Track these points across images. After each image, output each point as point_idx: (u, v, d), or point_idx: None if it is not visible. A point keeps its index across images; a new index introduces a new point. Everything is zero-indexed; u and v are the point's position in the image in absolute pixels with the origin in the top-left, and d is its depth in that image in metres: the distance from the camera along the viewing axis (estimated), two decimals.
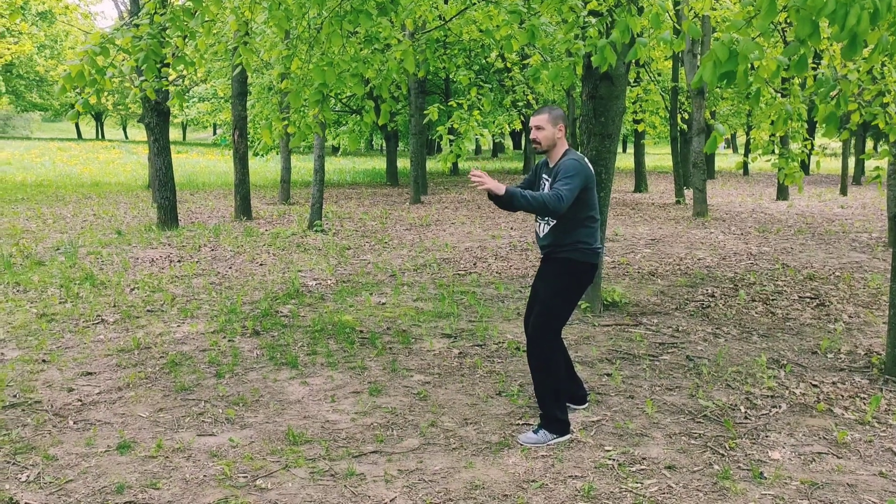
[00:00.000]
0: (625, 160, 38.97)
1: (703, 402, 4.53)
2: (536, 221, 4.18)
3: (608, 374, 5.07)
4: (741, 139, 55.48)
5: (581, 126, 6.81)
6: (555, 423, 3.94)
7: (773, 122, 5.58)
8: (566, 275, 4.01)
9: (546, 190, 3.98)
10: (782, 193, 19.06)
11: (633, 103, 17.41)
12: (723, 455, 3.80)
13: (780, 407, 4.47)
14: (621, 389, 4.78)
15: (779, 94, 6.56)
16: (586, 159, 4.04)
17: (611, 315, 6.73)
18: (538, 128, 4.05)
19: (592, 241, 4.01)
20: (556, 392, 3.96)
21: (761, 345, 5.83)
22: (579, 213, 3.94)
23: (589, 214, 3.99)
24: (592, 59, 4.42)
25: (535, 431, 3.94)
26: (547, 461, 3.71)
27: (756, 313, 6.86)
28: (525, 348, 4.33)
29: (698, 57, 14.77)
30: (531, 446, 3.86)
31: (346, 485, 3.47)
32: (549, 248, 4.07)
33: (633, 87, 17.10)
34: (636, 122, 18.51)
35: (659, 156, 49.52)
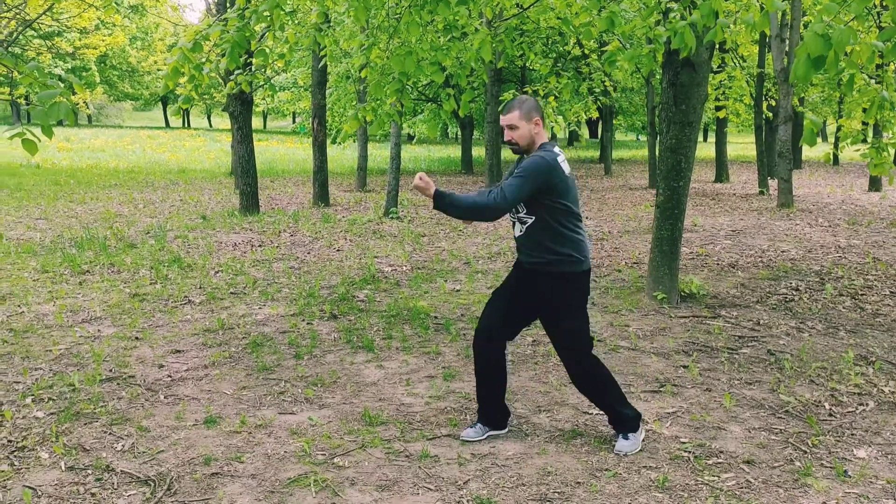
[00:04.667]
0: (705, 149, 37.91)
1: (785, 398, 4.41)
2: (510, 222, 3.72)
3: (684, 366, 4.99)
4: (831, 127, 53.11)
5: (660, 114, 6.68)
6: (632, 421, 3.72)
7: (865, 110, 5.35)
8: (573, 291, 3.60)
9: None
10: (875, 184, 18.20)
11: (716, 90, 16.91)
12: (805, 452, 3.70)
13: (867, 405, 4.32)
14: (698, 382, 4.70)
15: (873, 81, 6.29)
16: (558, 154, 3.51)
17: (688, 306, 6.60)
18: (510, 127, 3.54)
19: (584, 249, 3.59)
20: (617, 395, 3.71)
21: (848, 341, 5.62)
22: (561, 218, 3.50)
23: (572, 217, 3.53)
24: (672, 42, 4.33)
25: (626, 437, 3.71)
26: None
27: (843, 308, 6.61)
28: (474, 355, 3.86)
29: (786, 42, 14.22)
30: (630, 452, 3.66)
31: (421, 466, 3.55)
32: (533, 260, 3.61)
33: (716, 73, 16.61)
34: (718, 109, 17.98)
35: (742, 145, 47.95)
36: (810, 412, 4.20)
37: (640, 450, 3.69)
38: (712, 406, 4.30)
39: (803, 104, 23.92)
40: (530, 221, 3.56)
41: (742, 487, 3.34)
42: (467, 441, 3.80)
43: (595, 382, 3.70)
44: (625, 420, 3.72)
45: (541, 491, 3.30)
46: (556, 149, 3.55)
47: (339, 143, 21.60)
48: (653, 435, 3.89)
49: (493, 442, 3.82)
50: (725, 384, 4.66)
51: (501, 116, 3.59)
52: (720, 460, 3.61)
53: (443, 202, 3.35)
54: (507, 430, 3.93)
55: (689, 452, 3.68)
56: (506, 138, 3.59)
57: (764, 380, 4.74)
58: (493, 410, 3.87)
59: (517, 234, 3.66)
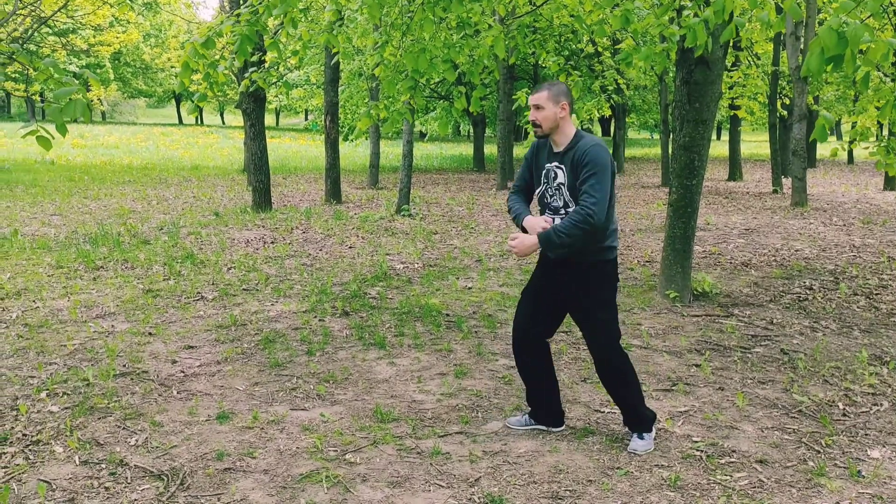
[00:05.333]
0: (718, 147, 37.69)
1: (799, 398, 4.39)
2: (543, 212, 3.64)
3: (697, 365, 4.97)
4: (846, 126, 52.72)
5: (674, 112, 6.65)
6: (648, 421, 3.70)
7: (879, 109, 5.31)
8: (605, 281, 3.57)
9: (560, 178, 3.50)
10: (890, 183, 18.04)
11: (730, 88, 16.80)
12: (818, 452, 3.68)
13: (881, 405, 4.29)
14: (711, 381, 4.68)
15: (888, 79, 6.23)
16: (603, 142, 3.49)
17: (700, 305, 6.57)
18: (537, 107, 3.48)
19: (615, 238, 3.56)
20: (639, 393, 3.69)
21: (863, 340, 5.58)
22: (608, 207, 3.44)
23: (612, 208, 3.48)
24: (686, 40, 4.31)
25: (641, 437, 3.67)
26: None
27: (858, 308, 6.56)
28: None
29: (801, 40, 14.11)
30: (645, 452, 3.63)
31: (432, 463, 3.55)
32: (570, 251, 3.50)
33: (730, 71, 16.51)
34: (733, 107, 17.87)
35: (755, 143, 47.67)
36: (824, 412, 4.18)
37: (653, 449, 3.68)
38: (725, 405, 4.28)
39: (818, 102, 23.75)
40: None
41: (755, 487, 3.33)
42: (510, 427, 3.92)
43: (620, 375, 3.65)
44: (644, 419, 3.69)
45: (552, 489, 3.30)
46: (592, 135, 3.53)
47: (352, 140, 21.64)
48: (665, 434, 3.88)
49: (504, 439, 3.82)
50: (738, 383, 4.64)
51: (530, 96, 3.54)
52: (733, 459, 3.59)
53: (548, 245, 3.39)
54: (562, 427, 3.93)
55: (702, 451, 3.67)
56: (530, 118, 3.52)
57: (777, 379, 4.72)
58: (539, 408, 3.89)
59: None
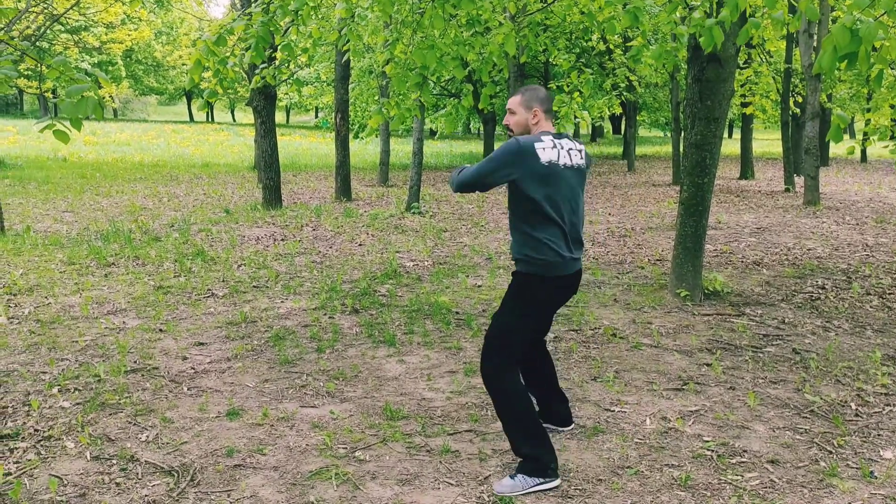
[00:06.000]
0: (730, 146, 37.50)
1: (811, 397, 4.36)
2: None
3: (707, 364, 4.94)
4: (859, 124, 52.33)
5: (685, 110, 6.62)
6: (532, 462, 3.27)
7: (893, 107, 5.26)
8: (519, 292, 3.32)
9: None
10: None
11: (742, 86, 16.70)
12: (830, 452, 3.66)
13: (894, 406, 4.25)
14: (721, 380, 4.66)
15: None
16: (538, 140, 3.21)
17: (711, 304, 6.54)
18: (510, 112, 3.43)
19: (542, 252, 3.22)
20: (525, 432, 3.28)
21: (876, 340, 5.54)
22: (525, 214, 3.23)
23: (538, 214, 3.20)
24: (700, 40, 4.28)
25: (512, 477, 3.27)
26: (643, 449, 3.68)
27: (871, 307, 6.51)
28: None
29: (814, 37, 14.01)
30: (507, 495, 3.21)
31: (442, 461, 3.55)
32: (512, 251, 3.39)
33: (742, 69, 16.41)
34: (744, 105, 17.77)
35: (767, 141, 47.40)
36: (836, 412, 4.15)
37: (657, 450, 3.66)
38: (736, 405, 4.26)
39: (831, 100, 23.59)
40: (510, 212, 3.37)
41: (766, 487, 3.31)
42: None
43: (497, 390, 3.31)
44: (525, 458, 3.30)
45: (562, 488, 3.29)
46: (548, 138, 3.25)
47: (362, 138, 21.66)
48: (676, 433, 3.86)
49: None
50: (749, 383, 4.61)
51: (508, 101, 3.51)
52: (744, 459, 3.57)
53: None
54: (571, 426, 3.89)
55: (713, 451, 3.65)
56: (504, 122, 3.47)
57: (789, 379, 4.69)
58: (544, 408, 3.84)
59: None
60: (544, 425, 3.78)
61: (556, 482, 3.29)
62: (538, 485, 3.25)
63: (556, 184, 3.21)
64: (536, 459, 3.26)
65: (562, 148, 3.27)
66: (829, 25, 13.55)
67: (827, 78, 19.77)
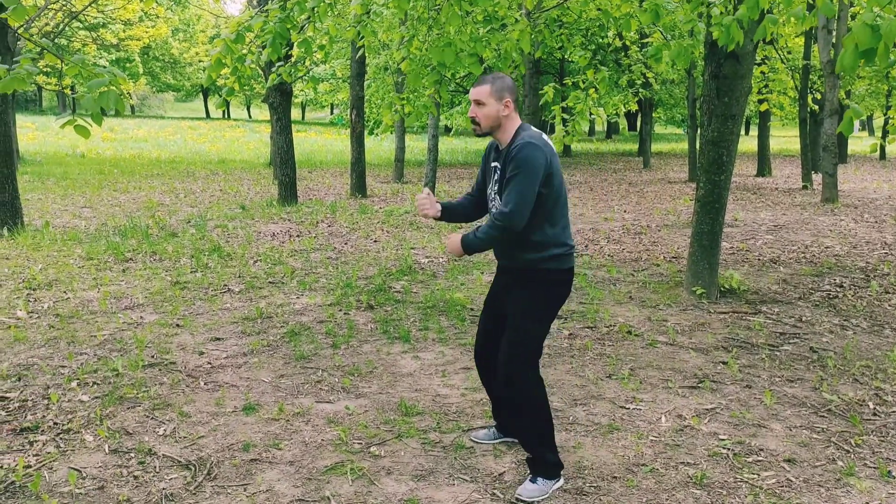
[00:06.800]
0: (747, 142, 37.21)
1: (828, 396, 4.33)
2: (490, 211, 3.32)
3: (723, 363, 4.92)
4: (878, 121, 51.78)
5: (702, 107, 6.58)
6: (549, 466, 3.26)
7: None
8: (541, 291, 3.20)
9: (497, 178, 3.19)
10: None
11: (759, 82, 16.57)
12: (848, 451, 3.63)
13: None
14: (738, 378, 4.63)
15: None
16: (545, 137, 3.15)
17: (727, 302, 6.51)
18: (477, 103, 3.15)
19: (564, 248, 3.18)
20: (547, 432, 3.28)
21: (894, 339, 5.49)
22: (546, 213, 3.12)
23: (554, 210, 3.13)
24: (719, 38, 4.26)
25: (534, 480, 3.23)
26: (658, 446, 3.67)
27: (889, 306, 6.45)
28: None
29: (833, 33, 13.88)
30: (531, 500, 3.16)
31: (456, 457, 3.56)
32: (513, 259, 3.23)
33: (759, 65, 16.28)
34: (761, 102, 17.63)
35: (785, 138, 46.99)
36: (854, 411, 4.12)
37: (673, 448, 3.65)
38: (752, 403, 4.24)
39: (850, 97, 23.36)
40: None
41: (782, 486, 3.29)
42: (476, 442, 3.69)
43: (525, 397, 3.23)
44: (543, 462, 3.27)
45: (577, 485, 3.29)
46: (535, 130, 3.19)
47: (377, 134, 21.68)
48: (691, 431, 3.85)
49: None
50: (766, 381, 4.59)
51: (472, 89, 3.20)
52: (760, 458, 3.55)
53: (468, 248, 3.14)
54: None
55: (728, 449, 3.64)
56: (469, 114, 3.20)
57: (806, 377, 4.66)
58: (496, 414, 3.70)
59: None
60: (504, 439, 3.71)
61: (562, 482, 3.31)
62: (555, 485, 3.26)
63: (560, 174, 3.19)
64: (556, 463, 3.27)
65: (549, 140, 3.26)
66: (847, 21, 13.42)
67: (846, 75, 19.57)
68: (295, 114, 69.22)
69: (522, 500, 3.15)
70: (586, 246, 9.40)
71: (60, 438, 3.73)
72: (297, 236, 9.89)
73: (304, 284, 7.09)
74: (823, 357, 5.04)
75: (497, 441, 3.71)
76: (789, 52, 18.94)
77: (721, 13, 4.65)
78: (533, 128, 3.20)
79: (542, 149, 3.04)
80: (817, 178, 18.02)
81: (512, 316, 3.24)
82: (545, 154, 3.05)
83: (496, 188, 3.21)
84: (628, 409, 4.15)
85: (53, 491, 3.22)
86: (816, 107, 18.63)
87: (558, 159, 3.18)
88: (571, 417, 4.03)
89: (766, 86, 16.81)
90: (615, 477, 3.36)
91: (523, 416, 3.25)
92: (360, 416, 4.03)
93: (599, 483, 3.31)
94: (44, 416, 3.99)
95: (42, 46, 3.84)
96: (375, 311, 6.21)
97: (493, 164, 3.25)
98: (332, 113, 62.12)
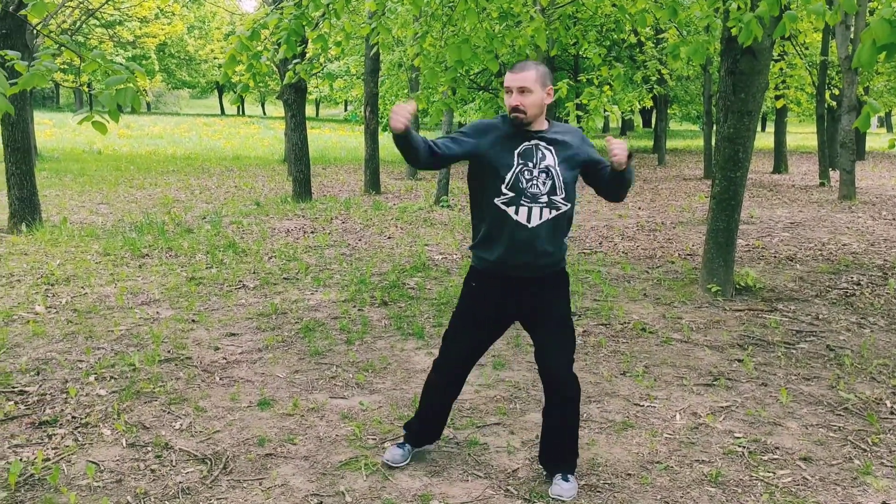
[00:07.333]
0: (763, 139, 36.93)
1: (845, 395, 4.29)
2: (519, 207, 2.93)
3: (739, 360, 4.90)
4: None
5: (717, 103, 6.53)
6: (576, 462, 3.27)
7: None
8: (566, 291, 3.18)
9: (549, 161, 2.95)
10: None
11: (776, 78, 16.43)
12: (865, 450, 3.60)
13: None
14: (753, 376, 4.61)
15: None
16: None
17: (743, 299, 6.47)
18: (522, 91, 2.89)
19: None
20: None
21: None
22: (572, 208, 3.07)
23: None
24: (739, 35, 4.22)
25: (567, 479, 3.17)
26: (672, 444, 3.66)
27: None
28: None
29: (851, 28, 13.74)
30: (571, 500, 3.11)
31: (470, 453, 3.56)
32: (552, 256, 3.03)
33: (776, 61, 16.14)
34: (777, 98, 17.49)
35: (802, 135, 46.59)
36: (871, 410, 4.09)
37: (688, 446, 3.63)
38: (768, 401, 4.21)
39: (868, 93, 23.12)
40: (566, 209, 3.01)
41: (798, 484, 3.27)
42: (393, 466, 3.39)
43: (577, 404, 3.21)
44: (576, 455, 3.24)
45: (591, 482, 3.29)
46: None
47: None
48: (706, 429, 3.84)
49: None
50: (782, 379, 4.56)
51: (510, 75, 2.93)
52: (776, 456, 3.54)
53: (629, 175, 2.94)
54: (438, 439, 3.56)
55: (744, 448, 3.62)
56: (513, 103, 2.91)
57: (823, 376, 4.63)
58: (426, 432, 3.47)
59: (534, 223, 2.95)
60: (418, 449, 3.51)
61: None
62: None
63: None
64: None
65: None
66: (865, 17, 13.28)
67: (864, 71, 19.36)
68: (309, 110, 69.29)
69: (563, 500, 3.09)
70: (600, 243, 9.37)
71: (78, 432, 3.77)
72: (312, 233, 9.93)
73: (318, 281, 7.11)
74: (840, 355, 5.00)
75: (414, 452, 3.47)
76: (806, 48, 18.77)
77: (739, 9, 4.61)
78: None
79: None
80: (835, 174, 17.85)
81: (561, 320, 3.11)
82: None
83: (544, 171, 2.94)
84: (642, 406, 4.14)
85: (72, 484, 3.26)
86: (834, 103, 18.45)
87: None
88: (585, 414, 4.02)
89: (783, 81, 16.64)
90: (629, 474, 3.36)
91: (575, 420, 3.19)
92: (374, 412, 4.04)
93: (613, 480, 3.30)
94: (62, 410, 4.03)
95: (61, 43, 3.88)
96: (389, 307, 6.23)
97: (529, 144, 2.94)
98: (345, 110, 62.21)
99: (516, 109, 2.92)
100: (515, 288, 3.06)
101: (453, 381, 3.34)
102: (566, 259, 3.13)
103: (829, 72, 18.13)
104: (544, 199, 2.94)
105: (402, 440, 3.51)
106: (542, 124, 3.02)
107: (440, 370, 3.32)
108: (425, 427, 3.45)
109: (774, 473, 3.37)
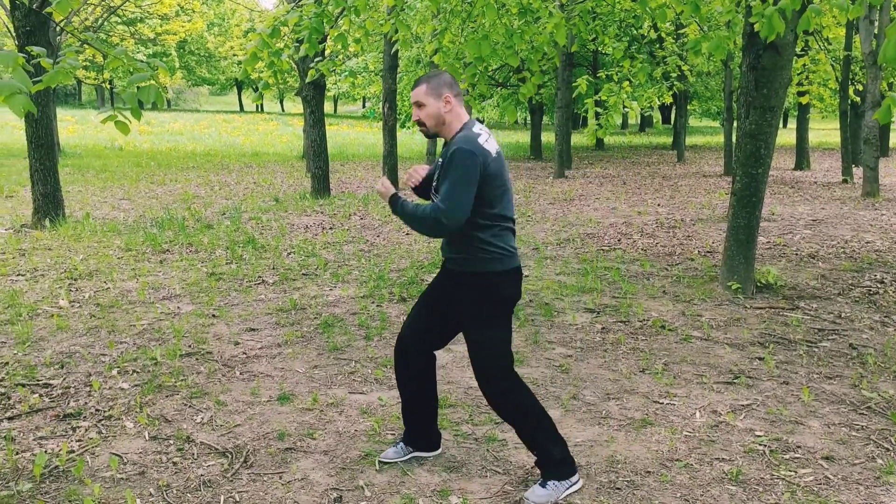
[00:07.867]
0: (785, 135, 36.57)
1: (868, 394, 4.25)
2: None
3: (760, 358, 4.86)
4: None
5: (739, 98, 6.48)
6: (556, 464, 3.09)
7: None
8: (485, 295, 3.02)
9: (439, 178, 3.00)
10: None
11: (799, 74, 16.26)
12: (888, 449, 3.57)
13: None
14: (774, 375, 4.57)
15: None
16: (479, 134, 2.96)
17: (764, 297, 6.41)
18: (417, 105, 3.03)
19: (502, 247, 3.00)
20: (545, 430, 3.10)
21: None
22: (479, 214, 2.93)
23: (495, 213, 2.96)
24: (760, 30, 4.18)
25: (543, 485, 3.08)
26: (692, 442, 3.64)
27: None
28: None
29: (875, 23, 13.55)
30: None
31: (489, 449, 3.57)
32: (451, 256, 3.09)
33: (799, 56, 15.97)
34: (800, 94, 17.30)
35: (824, 131, 46.09)
36: (894, 409, 4.04)
37: (708, 444, 3.61)
38: (789, 400, 4.18)
39: (892, 89, 22.80)
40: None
41: (820, 483, 3.24)
42: (385, 462, 3.39)
43: (511, 405, 3.10)
44: (549, 460, 3.10)
45: (610, 479, 3.28)
46: (478, 127, 3.02)
47: (409, 127, 21.71)
48: (726, 427, 3.81)
49: (560, 427, 3.80)
50: (804, 378, 4.52)
51: (411, 93, 3.08)
52: (797, 455, 3.51)
53: (393, 205, 3.02)
54: (439, 451, 3.49)
55: (765, 446, 3.59)
56: (412, 118, 3.10)
57: (845, 374, 4.58)
58: (415, 431, 3.41)
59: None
60: (414, 454, 3.45)
61: (581, 481, 3.19)
62: (570, 487, 3.10)
63: (504, 174, 3.00)
64: (564, 459, 3.10)
65: (489, 134, 3.05)
66: (890, 11, 13.10)
67: (889, 66, 19.09)
68: (327, 107, 69.56)
69: (529, 502, 3.03)
70: (619, 240, 9.33)
71: (102, 425, 3.82)
72: (330, 229, 9.97)
73: (337, 276, 7.15)
74: (863, 354, 4.95)
75: (407, 458, 3.42)
76: (829, 43, 18.54)
77: (762, 2, 4.56)
78: (477, 125, 3.04)
79: (476, 152, 2.87)
80: (858, 171, 17.63)
81: (466, 328, 3.12)
82: (481, 155, 2.88)
83: (435, 184, 3.08)
84: (662, 403, 4.12)
85: (96, 476, 3.30)
86: (858, 98, 18.23)
87: (502, 160, 3.01)
88: (604, 412, 4.01)
89: (806, 77, 16.46)
90: (648, 472, 3.35)
91: (517, 418, 3.13)
92: (392, 408, 4.06)
93: (633, 478, 3.29)
94: (86, 403, 4.09)
95: (85, 40, 3.92)
96: (407, 303, 6.24)
97: (438, 162, 3.05)
98: (364, 106, 62.32)
99: (418, 124, 3.10)
100: (443, 278, 3.24)
101: (404, 363, 3.32)
102: (486, 265, 3.00)
103: (852, 67, 17.90)
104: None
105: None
106: (450, 133, 3.05)
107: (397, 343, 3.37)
108: (406, 421, 3.41)
109: (796, 472, 3.34)
